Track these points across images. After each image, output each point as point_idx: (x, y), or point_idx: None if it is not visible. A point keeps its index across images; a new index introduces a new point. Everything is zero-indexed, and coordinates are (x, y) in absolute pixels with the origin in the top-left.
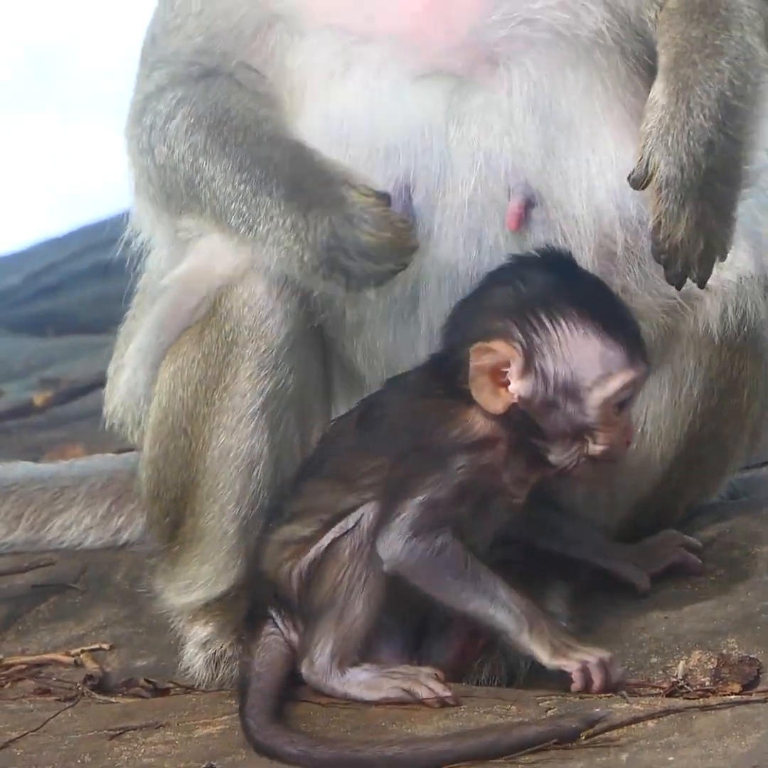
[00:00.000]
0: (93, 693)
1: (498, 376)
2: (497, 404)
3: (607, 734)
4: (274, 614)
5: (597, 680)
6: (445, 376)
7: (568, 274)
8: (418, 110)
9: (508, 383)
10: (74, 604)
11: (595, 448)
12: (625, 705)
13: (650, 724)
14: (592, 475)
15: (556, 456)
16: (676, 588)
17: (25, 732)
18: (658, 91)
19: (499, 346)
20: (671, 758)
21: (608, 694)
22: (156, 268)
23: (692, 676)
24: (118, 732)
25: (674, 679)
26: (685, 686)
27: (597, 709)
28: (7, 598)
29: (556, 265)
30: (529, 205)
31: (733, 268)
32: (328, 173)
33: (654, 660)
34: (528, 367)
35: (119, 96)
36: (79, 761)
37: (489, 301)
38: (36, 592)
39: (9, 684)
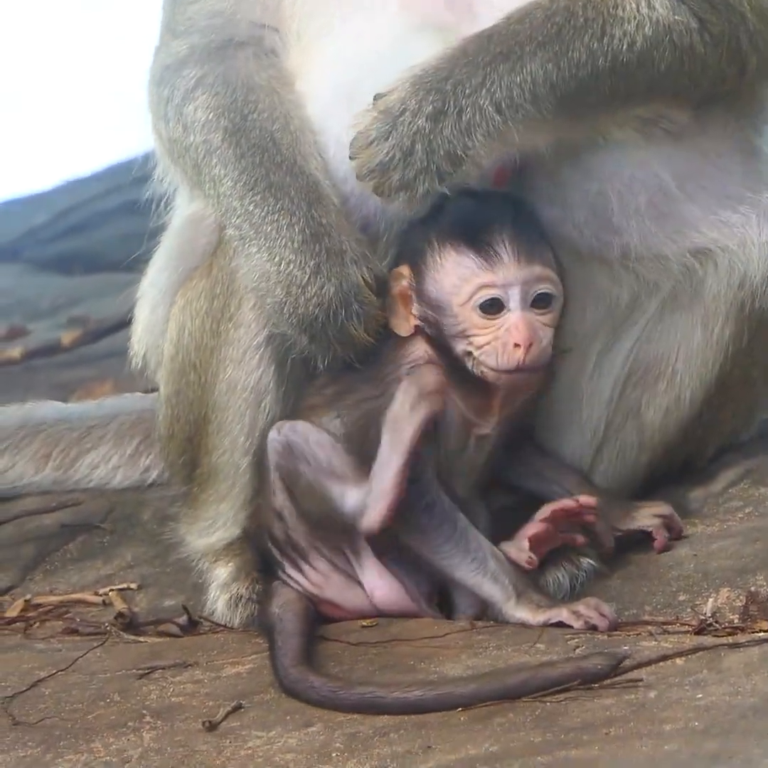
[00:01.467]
0: (121, 632)
1: (406, 300)
2: (404, 326)
3: (636, 672)
4: (279, 560)
5: (594, 616)
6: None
7: (455, 199)
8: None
9: (412, 306)
10: (102, 544)
11: (480, 353)
12: (654, 643)
13: (679, 661)
14: (515, 385)
15: (467, 364)
16: (704, 526)
17: (54, 671)
18: (450, 48)
19: (404, 271)
20: (699, 695)
21: (637, 632)
22: (179, 207)
23: (721, 613)
24: (146, 671)
25: (703, 617)
26: (714, 624)
27: (624, 648)
28: (35, 537)
29: (466, 193)
30: (515, 163)
31: (746, 222)
32: (342, 245)
33: (682, 597)
34: (419, 289)
35: (148, 38)
36: (107, 700)
37: (405, 232)
38: (64, 531)
39: (37, 624)
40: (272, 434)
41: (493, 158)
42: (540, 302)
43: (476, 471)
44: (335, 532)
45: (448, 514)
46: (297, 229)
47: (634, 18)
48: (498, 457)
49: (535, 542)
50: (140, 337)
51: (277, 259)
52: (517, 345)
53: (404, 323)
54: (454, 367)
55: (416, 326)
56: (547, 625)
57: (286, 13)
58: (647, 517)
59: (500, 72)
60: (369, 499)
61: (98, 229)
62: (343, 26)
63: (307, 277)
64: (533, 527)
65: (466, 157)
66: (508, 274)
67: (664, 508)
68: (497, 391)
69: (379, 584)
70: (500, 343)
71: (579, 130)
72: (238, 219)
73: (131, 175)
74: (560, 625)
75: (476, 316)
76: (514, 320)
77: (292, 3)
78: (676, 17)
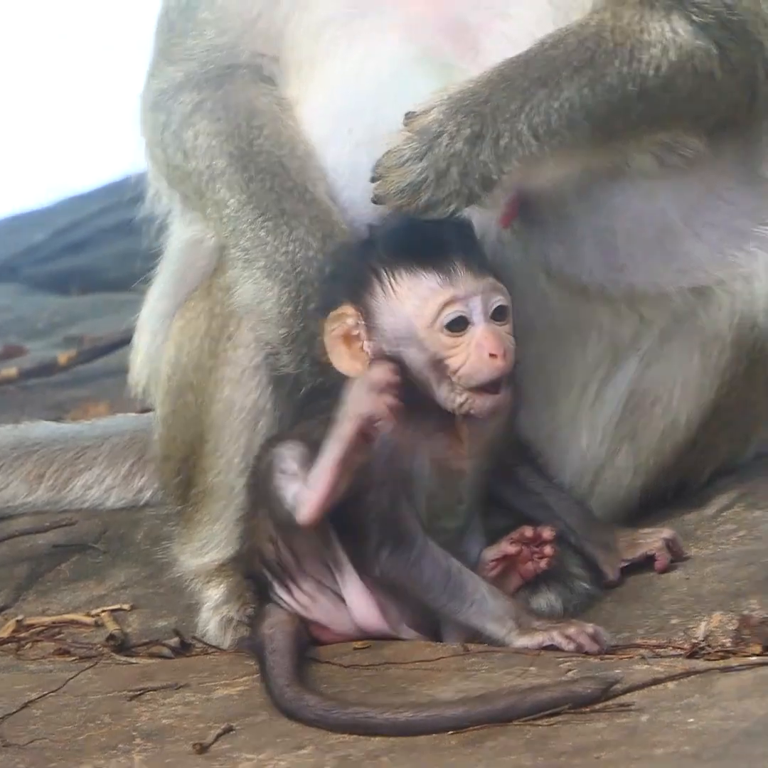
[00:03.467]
0: (113, 654)
1: (351, 340)
2: (356, 367)
3: (627, 696)
4: (270, 580)
5: (585, 641)
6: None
7: (394, 226)
8: (421, 91)
9: (361, 345)
10: (95, 564)
11: (458, 376)
12: (646, 666)
13: (670, 685)
14: (492, 405)
15: (441, 400)
16: (697, 549)
17: (45, 692)
18: (488, 71)
19: (346, 310)
20: (691, 719)
21: (629, 655)
22: (175, 233)
23: (713, 637)
24: (137, 693)
25: (695, 640)
26: (706, 647)
27: (616, 671)
28: (28, 557)
29: (390, 222)
30: (521, 201)
31: (751, 259)
32: None
33: (675, 621)
34: (370, 325)
35: (145, 55)
36: (98, 722)
37: (333, 272)
38: (57, 551)
39: (29, 644)
40: (261, 451)
41: (522, 183)
42: (498, 314)
43: (464, 502)
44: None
45: (439, 565)
46: (315, 267)
47: (660, 42)
48: (489, 484)
49: (497, 564)
50: (140, 368)
51: (293, 295)
52: (492, 355)
53: (355, 364)
54: (416, 403)
55: (367, 362)
56: (542, 648)
57: (287, 44)
58: (650, 541)
59: (539, 97)
60: (303, 492)
61: (96, 247)
62: (344, 57)
63: (303, 327)
64: (494, 550)
65: (500, 181)
66: (467, 287)
67: (667, 532)
68: (462, 424)
69: (359, 605)
70: (475, 357)
71: (605, 157)
72: (246, 242)
73: (129, 194)
74: (553, 648)
75: (444, 336)
76: (483, 332)
77: (293, 34)
78: (698, 43)
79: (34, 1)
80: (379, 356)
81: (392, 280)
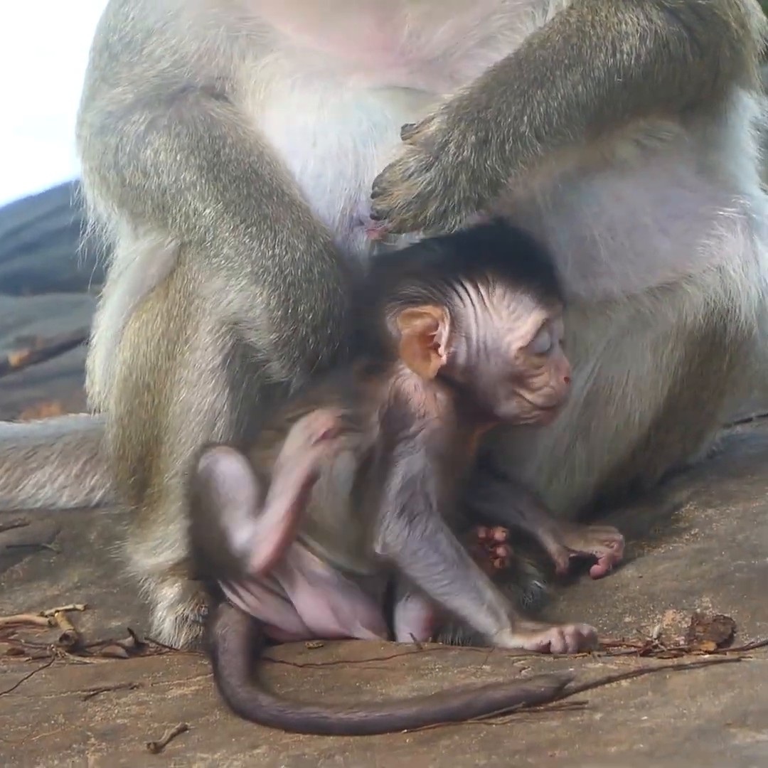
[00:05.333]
0: (67, 654)
1: (427, 341)
2: (428, 369)
3: (581, 694)
4: (221, 582)
5: (572, 641)
6: (374, 348)
7: (485, 235)
8: (383, 120)
9: (437, 347)
10: (48, 565)
11: (535, 396)
12: (599, 665)
13: (624, 683)
14: (549, 419)
15: (501, 410)
16: (650, 548)
17: None
18: (482, 76)
19: (430, 311)
20: (645, 717)
21: (582, 653)
22: (122, 255)
23: (666, 635)
24: (91, 693)
25: (648, 639)
26: (660, 645)
27: (570, 669)
28: None
29: (477, 229)
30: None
31: (720, 244)
32: (339, 280)
33: (628, 619)
34: (454, 330)
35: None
36: (52, 722)
37: (414, 267)
38: (10, 552)
39: None
40: (202, 456)
41: (526, 184)
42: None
43: (453, 499)
44: (227, 567)
45: (451, 544)
46: (302, 268)
47: (637, 31)
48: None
49: None
50: (99, 387)
51: (283, 298)
52: (567, 379)
53: (427, 365)
54: (453, 408)
55: (442, 367)
56: (539, 650)
57: (243, 75)
58: (598, 542)
59: (538, 98)
60: (254, 540)
61: (47, 248)
62: (304, 86)
63: (317, 318)
64: None
65: (507, 184)
66: (556, 309)
67: (615, 535)
68: (483, 425)
69: (307, 605)
70: (555, 381)
71: (597, 150)
72: (229, 249)
73: (80, 196)
74: (548, 648)
75: (534, 357)
76: (559, 355)
77: (249, 67)
78: (671, 28)
79: None
80: (453, 365)
81: (491, 292)
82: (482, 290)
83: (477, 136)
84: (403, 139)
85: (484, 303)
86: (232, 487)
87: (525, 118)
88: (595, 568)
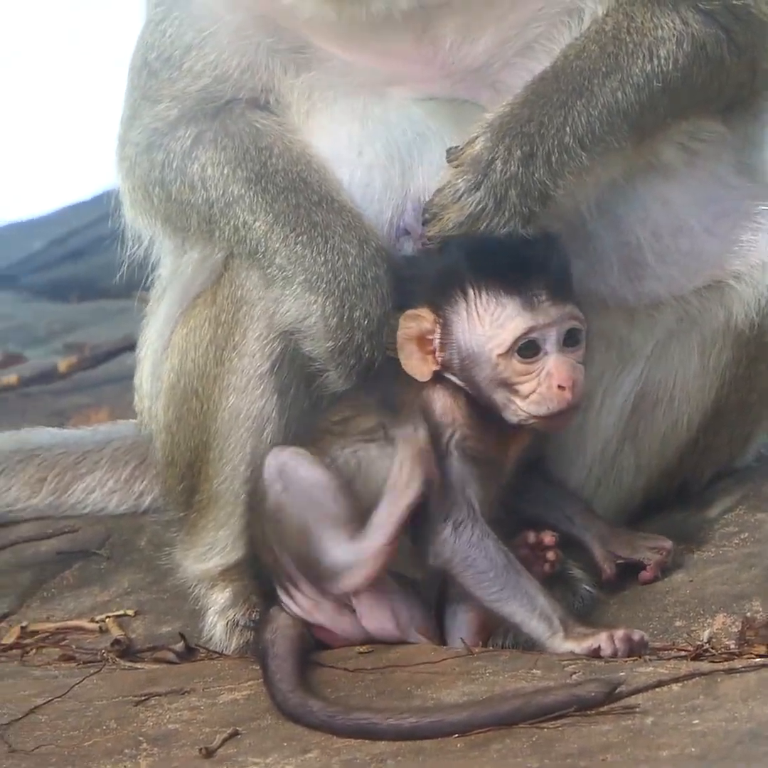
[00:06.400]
0: (118, 659)
1: (425, 343)
2: (424, 371)
3: (632, 698)
4: (277, 585)
5: (623, 645)
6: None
7: (487, 243)
8: (427, 130)
9: (433, 350)
10: (99, 571)
11: (525, 403)
12: (650, 669)
13: (675, 687)
14: (553, 427)
15: (504, 415)
16: (699, 551)
17: (51, 698)
18: (520, 92)
19: (425, 314)
20: (696, 721)
21: (634, 658)
22: (166, 273)
23: (717, 639)
24: (143, 698)
25: (699, 643)
26: (710, 649)
27: (621, 673)
28: (32, 564)
29: (485, 237)
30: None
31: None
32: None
33: (678, 623)
34: (446, 335)
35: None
36: (104, 727)
37: (418, 272)
38: (61, 558)
39: (34, 651)
40: (269, 458)
41: (574, 194)
42: (570, 340)
43: (497, 505)
44: (309, 573)
45: (500, 550)
46: (355, 273)
47: (674, 36)
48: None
49: None
50: (147, 403)
51: (338, 304)
52: (561, 387)
53: (422, 367)
54: (474, 411)
55: (435, 370)
56: (589, 653)
57: (285, 88)
58: (646, 549)
59: (578, 108)
60: (355, 561)
61: (95, 255)
62: (347, 99)
63: (372, 324)
64: None
65: (556, 195)
66: (547, 316)
67: (664, 542)
68: (517, 431)
69: (370, 609)
70: (544, 387)
71: (641, 155)
72: (281, 260)
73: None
74: (599, 652)
75: (516, 362)
76: (554, 362)
77: (291, 82)
78: (708, 30)
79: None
80: (448, 368)
81: (477, 299)
82: (471, 297)
83: (522, 150)
84: (449, 161)
85: (472, 310)
86: (321, 497)
87: (568, 128)
88: (644, 575)
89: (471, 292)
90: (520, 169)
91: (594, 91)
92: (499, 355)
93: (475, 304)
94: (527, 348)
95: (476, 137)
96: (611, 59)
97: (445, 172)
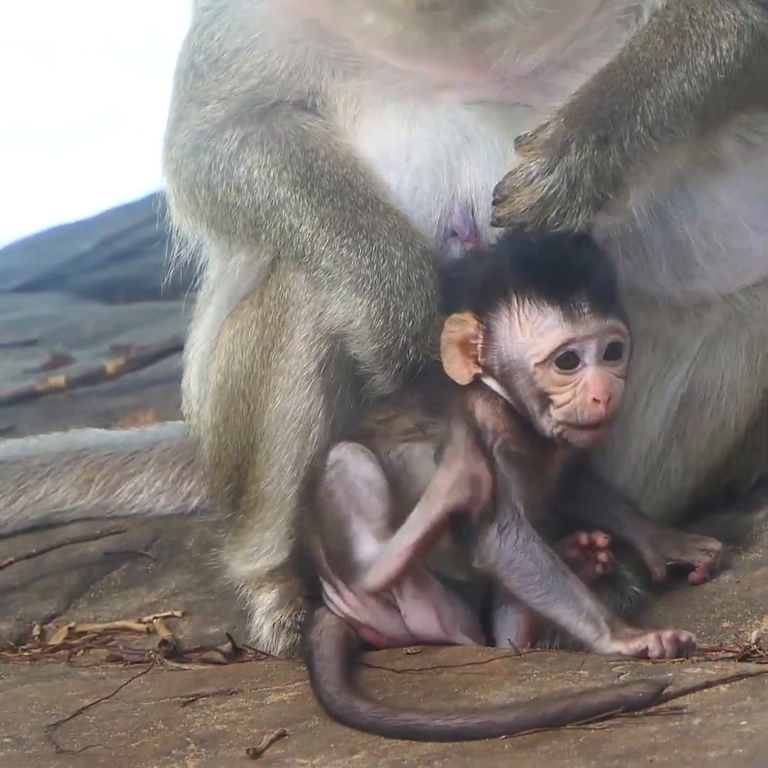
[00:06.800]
0: (165, 660)
1: (467, 348)
2: (465, 374)
3: (680, 699)
4: (324, 585)
5: (670, 646)
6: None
7: (533, 249)
8: (476, 133)
9: (476, 355)
10: (146, 572)
11: (559, 413)
12: (697, 670)
13: (722, 688)
14: (586, 441)
15: (538, 424)
16: (747, 552)
17: (98, 699)
18: (588, 82)
19: (468, 319)
20: (744, 722)
21: (681, 659)
22: (213, 276)
23: (764, 640)
24: (190, 699)
25: (746, 644)
26: (758, 650)
27: (668, 675)
28: (79, 565)
29: (529, 242)
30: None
31: None
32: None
33: (726, 624)
34: (489, 341)
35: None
36: (151, 728)
37: (466, 275)
38: (108, 559)
39: (81, 651)
40: (332, 452)
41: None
42: (611, 353)
43: (543, 508)
44: (342, 564)
45: (545, 553)
46: (400, 275)
47: (735, 28)
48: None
49: None
50: (195, 407)
51: (383, 306)
52: (596, 400)
53: (463, 371)
54: (514, 416)
55: (475, 374)
56: (637, 653)
57: (332, 91)
58: (696, 550)
59: (647, 98)
60: (380, 559)
61: (142, 256)
62: (395, 103)
63: (417, 326)
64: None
65: (628, 183)
66: (587, 328)
67: (714, 544)
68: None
69: (414, 610)
70: (579, 399)
71: (704, 147)
72: (327, 262)
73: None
74: (646, 653)
75: (554, 373)
76: (592, 375)
77: (339, 85)
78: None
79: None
80: (489, 373)
81: (520, 306)
82: (514, 304)
83: (597, 134)
84: (518, 148)
85: (514, 317)
86: (365, 493)
87: (638, 117)
88: (693, 576)
89: (514, 299)
90: (595, 152)
91: (661, 81)
92: (537, 364)
93: (518, 312)
94: (565, 359)
95: (548, 123)
96: (676, 51)
97: (515, 156)
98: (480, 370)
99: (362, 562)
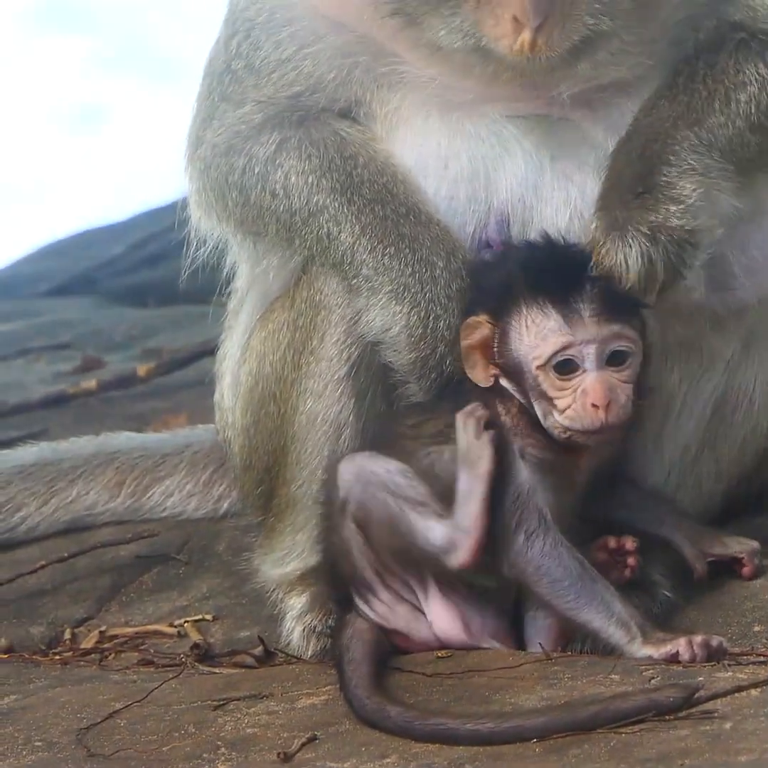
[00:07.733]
0: (196, 664)
1: (487, 351)
2: (484, 377)
3: (711, 704)
4: (353, 591)
5: (701, 651)
6: None
7: (542, 254)
8: (516, 145)
9: (494, 358)
10: (177, 575)
11: (562, 417)
12: (729, 674)
13: (754, 692)
14: (590, 443)
15: (546, 426)
16: None
17: (129, 703)
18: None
19: (485, 323)
20: None
21: (712, 663)
22: (242, 284)
23: None
24: (221, 702)
25: None
26: None
27: (699, 679)
28: (111, 569)
29: (543, 248)
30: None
31: None
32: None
33: (757, 628)
34: (504, 344)
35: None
36: (182, 732)
37: (485, 280)
38: (140, 563)
39: (113, 655)
40: (344, 465)
41: None
42: (615, 360)
43: (571, 513)
44: (407, 564)
45: (574, 558)
46: (442, 285)
47: (756, 81)
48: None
49: None
50: (229, 418)
51: (422, 315)
52: (595, 405)
53: (483, 373)
54: (534, 421)
55: (495, 376)
56: (668, 657)
57: (374, 100)
58: (738, 544)
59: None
60: (456, 536)
61: (172, 260)
62: (439, 117)
63: (454, 335)
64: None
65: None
66: (585, 333)
67: (752, 543)
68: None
69: (440, 615)
70: (579, 404)
71: (748, 186)
72: (368, 270)
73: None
74: (677, 657)
75: (553, 376)
76: (590, 380)
77: (382, 96)
78: None
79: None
80: (506, 375)
81: (528, 309)
82: (523, 307)
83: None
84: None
85: (523, 319)
86: (402, 486)
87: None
88: (745, 570)
89: (523, 302)
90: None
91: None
92: (538, 367)
93: (526, 314)
94: (563, 365)
95: (602, 242)
96: (681, 107)
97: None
98: (498, 372)
99: (436, 546)
